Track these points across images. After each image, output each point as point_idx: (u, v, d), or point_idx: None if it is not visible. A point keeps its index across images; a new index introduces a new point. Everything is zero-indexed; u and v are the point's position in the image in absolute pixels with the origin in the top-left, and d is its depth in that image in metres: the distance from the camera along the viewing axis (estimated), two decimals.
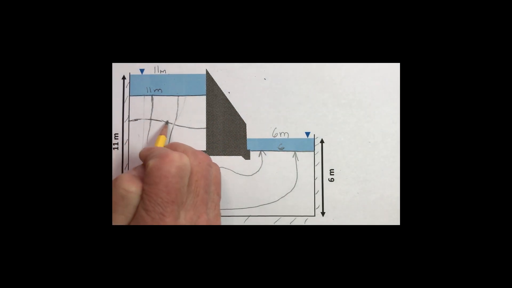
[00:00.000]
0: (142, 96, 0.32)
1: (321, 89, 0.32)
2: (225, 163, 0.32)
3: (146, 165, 0.26)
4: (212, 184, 0.28)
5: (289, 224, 0.32)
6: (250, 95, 0.32)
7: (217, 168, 0.30)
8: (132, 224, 0.25)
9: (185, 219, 0.26)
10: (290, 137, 0.32)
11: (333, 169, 0.32)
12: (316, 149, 0.32)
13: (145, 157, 0.27)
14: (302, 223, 0.32)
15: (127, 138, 0.32)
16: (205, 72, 0.32)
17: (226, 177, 0.32)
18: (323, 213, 0.32)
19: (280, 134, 0.32)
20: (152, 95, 0.32)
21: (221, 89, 0.32)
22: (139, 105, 0.32)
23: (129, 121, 0.32)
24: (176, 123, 0.32)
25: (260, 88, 0.32)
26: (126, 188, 0.24)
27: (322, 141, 0.32)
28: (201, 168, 0.27)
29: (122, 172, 0.32)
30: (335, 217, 0.32)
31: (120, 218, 0.25)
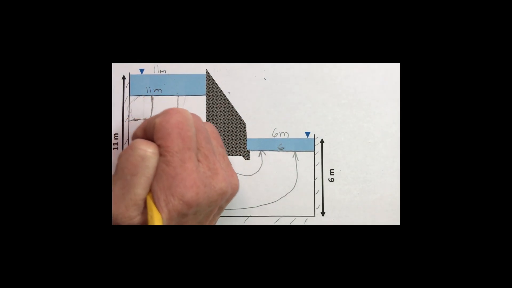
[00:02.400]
0: (142, 96, 0.32)
1: (321, 89, 0.32)
2: None
3: (153, 125, 0.26)
4: (211, 138, 0.28)
5: (289, 224, 0.32)
6: (250, 95, 0.32)
7: (210, 124, 0.30)
8: (154, 181, 0.25)
9: (203, 169, 0.26)
10: (290, 137, 0.32)
11: (333, 169, 0.32)
12: (316, 149, 0.32)
13: (144, 127, 0.28)
14: (302, 223, 0.32)
15: (127, 138, 0.32)
16: (205, 72, 0.32)
17: None
18: (323, 213, 0.32)
19: (280, 134, 0.32)
20: (152, 95, 0.32)
21: (221, 89, 0.32)
22: (139, 105, 0.32)
23: (129, 121, 0.32)
24: None
25: (260, 88, 0.32)
26: (145, 148, 0.25)
27: (322, 141, 0.32)
28: (195, 124, 0.27)
29: None
30: (335, 217, 0.32)
31: (142, 179, 0.25)
